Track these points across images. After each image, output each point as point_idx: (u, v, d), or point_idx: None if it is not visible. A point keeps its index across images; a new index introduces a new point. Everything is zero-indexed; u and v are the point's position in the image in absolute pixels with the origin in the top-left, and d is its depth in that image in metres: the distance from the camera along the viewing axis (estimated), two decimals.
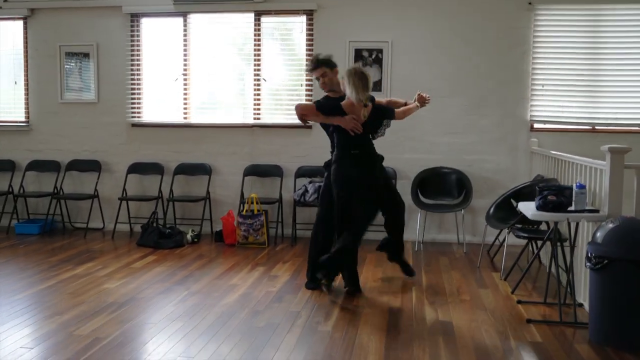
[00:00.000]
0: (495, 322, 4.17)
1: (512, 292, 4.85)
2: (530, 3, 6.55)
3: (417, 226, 6.62)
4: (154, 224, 6.67)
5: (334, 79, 4.98)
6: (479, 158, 6.81)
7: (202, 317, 4.20)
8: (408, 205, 6.65)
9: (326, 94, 5.04)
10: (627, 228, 3.65)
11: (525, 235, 5.07)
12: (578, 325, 4.06)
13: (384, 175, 5.12)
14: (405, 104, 5.25)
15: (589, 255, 3.77)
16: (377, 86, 6.84)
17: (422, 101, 5.20)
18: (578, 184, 4.08)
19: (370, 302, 4.62)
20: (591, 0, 6.47)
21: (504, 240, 5.68)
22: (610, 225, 3.71)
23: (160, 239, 6.50)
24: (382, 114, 4.92)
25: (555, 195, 4.12)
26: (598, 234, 3.75)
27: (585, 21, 6.53)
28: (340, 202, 4.73)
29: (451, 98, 6.83)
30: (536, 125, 6.73)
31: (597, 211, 4.09)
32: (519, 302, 4.60)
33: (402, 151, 6.91)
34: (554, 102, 6.64)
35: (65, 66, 7.40)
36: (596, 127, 6.61)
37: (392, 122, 5.07)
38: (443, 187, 6.75)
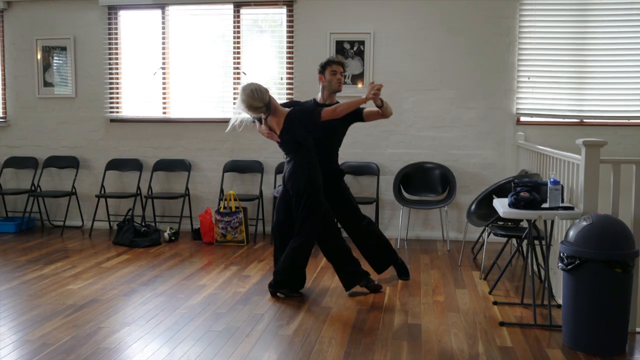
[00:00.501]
0: (467, 325, 3.98)
1: (490, 293, 4.66)
2: None
3: (399, 223, 6.43)
4: (130, 222, 6.50)
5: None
6: (465, 153, 6.61)
7: (159, 321, 4.03)
8: (390, 201, 6.52)
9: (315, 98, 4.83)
10: (600, 226, 3.45)
11: (503, 233, 4.87)
12: (553, 328, 3.87)
13: (336, 185, 4.82)
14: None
15: (561, 255, 3.57)
16: (360, 79, 6.65)
17: (372, 89, 4.42)
18: (552, 180, 3.87)
19: (340, 303, 4.44)
20: None
21: (486, 237, 5.47)
22: (583, 224, 3.51)
23: (135, 237, 6.33)
24: (296, 118, 4.40)
25: (528, 191, 3.91)
26: (570, 233, 3.56)
27: (573, 10, 6.30)
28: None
29: (436, 91, 6.62)
30: (523, 119, 6.52)
31: (572, 208, 3.88)
32: (495, 303, 4.41)
33: (386, 146, 6.72)
34: (541, 95, 6.42)
35: (55, 61, 7.20)
36: (584, 120, 6.39)
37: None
38: (427, 182, 6.56)
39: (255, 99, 4.29)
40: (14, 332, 3.84)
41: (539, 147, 5.38)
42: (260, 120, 4.49)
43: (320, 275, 5.18)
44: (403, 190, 6.55)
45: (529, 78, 6.42)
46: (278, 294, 4.57)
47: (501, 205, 4.06)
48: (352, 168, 6.67)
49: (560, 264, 3.57)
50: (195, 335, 3.79)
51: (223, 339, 3.71)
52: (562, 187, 4.11)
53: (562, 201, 4.07)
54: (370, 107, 4.67)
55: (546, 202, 3.92)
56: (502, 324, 3.97)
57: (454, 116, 6.60)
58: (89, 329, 3.87)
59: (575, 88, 6.35)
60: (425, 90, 6.61)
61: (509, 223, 5.04)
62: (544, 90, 6.40)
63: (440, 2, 6.53)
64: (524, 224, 5.02)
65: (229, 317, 4.11)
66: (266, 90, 4.36)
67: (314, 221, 4.43)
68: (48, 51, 7.25)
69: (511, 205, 3.94)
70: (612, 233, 3.43)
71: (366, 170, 6.70)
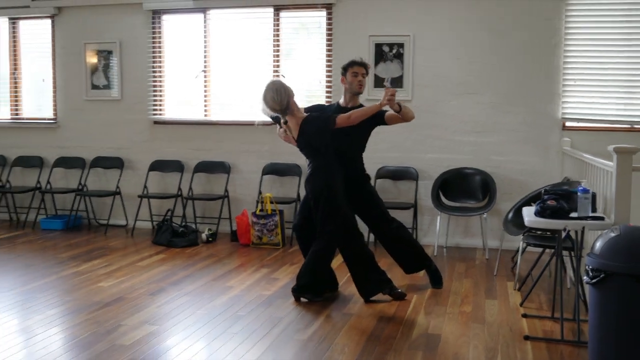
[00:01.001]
0: (489, 337, 3.83)
1: (521, 305, 4.48)
2: None
3: (436, 230, 6.28)
4: (168, 222, 6.59)
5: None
6: (507, 159, 6.40)
7: (179, 321, 4.06)
8: (429, 207, 6.38)
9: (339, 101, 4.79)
10: (627, 238, 3.25)
11: (536, 243, 4.68)
12: (581, 345, 3.68)
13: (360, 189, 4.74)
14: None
15: (587, 267, 3.39)
16: (399, 82, 6.55)
17: (386, 95, 4.30)
18: (581, 188, 3.69)
19: (362, 310, 4.36)
20: None
21: (521, 247, 5.27)
22: (611, 235, 3.32)
23: (173, 237, 6.42)
24: (311, 125, 4.41)
25: (556, 200, 3.74)
26: (597, 244, 3.37)
27: (621, 10, 6.00)
28: None
29: (478, 95, 6.45)
30: (568, 124, 6.26)
31: (602, 218, 3.69)
32: (524, 315, 4.23)
33: (426, 150, 6.59)
34: (588, 99, 6.15)
35: (102, 64, 7.41)
36: (635, 126, 6.08)
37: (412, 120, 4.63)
38: (466, 188, 6.38)
39: (275, 100, 4.28)
40: (38, 326, 3.95)
41: (580, 153, 5.16)
42: (278, 121, 4.47)
43: (350, 281, 5.12)
44: (442, 196, 6.40)
45: (575, 81, 6.17)
46: (301, 298, 4.53)
47: (528, 213, 3.90)
48: (390, 172, 6.58)
49: (585, 277, 3.39)
50: (210, 335, 3.79)
51: (237, 341, 3.70)
52: (595, 195, 3.92)
53: (595, 211, 3.88)
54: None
55: (576, 211, 3.75)
56: (526, 337, 3.80)
57: (496, 121, 6.41)
58: (109, 326, 3.94)
59: (624, 92, 6.06)
60: (466, 94, 6.45)
61: (548, 233, 4.84)
62: (591, 94, 6.14)
63: (481, 3, 6.36)
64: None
65: (248, 319, 4.10)
66: (287, 93, 4.33)
67: (333, 225, 4.37)
68: (95, 55, 7.45)
69: (537, 213, 3.78)
70: None
71: (405, 174, 6.58)
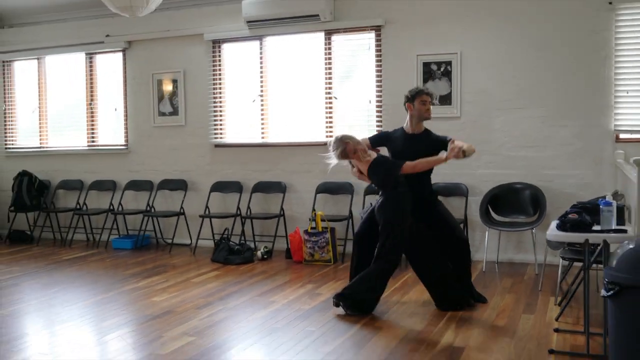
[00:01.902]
0: (513, 351, 3.83)
1: (557, 319, 4.43)
2: (610, 3, 5.99)
3: (485, 246, 6.26)
4: (225, 241, 6.91)
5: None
6: (560, 173, 6.31)
7: (214, 332, 4.30)
8: (479, 223, 6.37)
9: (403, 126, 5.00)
10: None
11: (569, 257, 4.62)
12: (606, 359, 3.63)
13: (430, 211, 4.91)
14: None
15: (605, 280, 3.36)
16: (447, 100, 6.62)
17: (451, 153, 4.49)
18: (603, 201, 3.66)
19: (395, 321, 4.46)
20: None
21: (560, 262, 5.18)
22: (627, 248, 3.29)
23: (229, 255, 6.72)
24: (380, 169, 4.76)
25: (578, 212, 3.72)
26: (614, 257, 3.34)
27: None
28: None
29: (527, 109, 6.41)
30: (622, 136, 6.11)
31: (624, 231, 3.64)
32: (556, 330, 4.19)
33: (476, 166, 6.59)
34: None
35: (167, 92, 7.91)
36: None
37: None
38: (516, 203, 6.34)
39: (331, 150, 4.75)
40: (90, 335, 4.29)
41: (624, 165, 5.05)
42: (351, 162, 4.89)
43: (396, 291, 5.23)
44: (492, 212, 6.38)
45: (627, 92, 6.02)
46: (341, 305, 4.68)
47: (551, 227, 3.89)
48: (441, 188, 6.59)
49: (603, 291, 3.36)
50: (240, 347, 4.00)
51: (265, 352, 3.89)
52: (624, 208, 3.87)
53: (623, 223, 3.83)
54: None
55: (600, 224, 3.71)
56: (551, 351, 3.78)
57: (547, 135, 6.34)
58: (152, 337, 4.23)
59: None
60: (515, 109, 6.42)
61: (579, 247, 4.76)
62: None
63: (528, 18, 6.34)
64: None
65: (281, 333, 4.28)
66: (343, 142, 4.70)
67: (394, 252, 4.63)
68: (162, 84, 7.94)
69: (558, 227, 3.77)
70: None
71: (455, 191, 6.61)
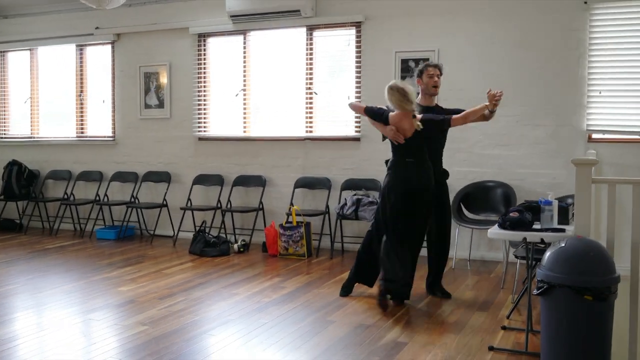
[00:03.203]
0: (455, 347, 3.88)
1: (508, 317, 4.47)
2: (585, 2, 5.97)
3: (456, 243, 6.28)
4: (202, 233, 6.99)
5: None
6: (532, 172, 6.32)
7: (169, 322, 4.37)
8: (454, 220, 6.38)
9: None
10: (570, 250, 3.24)
11: (521, 255, 4.63)
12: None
13: (440, 191, 5.01)
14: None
15: (537, 279, 3.40)
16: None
17: (492, 99, 4.61)
18: (543, 200, 3.69)
19: (346, 318, 4.50)
20: None
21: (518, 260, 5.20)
22: (557, 247, 3.32)
23: (205, 247, 6.81)
24: (433, 125, 4.77)
25: (519, 211, 3.75)
26: (546, 256, 3.37)
27: None
28: (389, 210, 4.78)
29: (502, 108, 6.25)
30: (595, 136, 6.10)
31: (562, 230, 3.66)
32: (503, 327, 4.23)
33: (451, 164, 6.54)
34: (614, 110, 5.98)
35: (153, 85, 8.00)
36: None
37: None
38: (488, 202, 6.35)
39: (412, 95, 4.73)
40: (45, 323, 4.40)
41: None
42: (386, 118, 4.77)
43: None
44: (464, 209, 6.40)
45: (600, 93, 6.01)
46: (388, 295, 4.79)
47: (494, 226, 3.92)
48: None
49: (535, 289, 3.40)
50: (188, 337, 4.08)
51: (206, 344, 3.97)
52: (569, 208, 3.89)
53: (568, 223, 3.86)
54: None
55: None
56: (490, 348, 3.82)
57: (521, 134, 6.36)
58: (104, 325, 4.32)
59: None
60: None
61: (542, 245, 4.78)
62: (617, 106, 5.96)
63: (505, 16, 6.35)
64: None
65: (233, 324, 4.35)
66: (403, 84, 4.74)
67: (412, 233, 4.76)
68: (148, 76, 8.04)
69: (499, 225, 3.80)
70: (583, 257, 3.21)
71: None
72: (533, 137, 6.31)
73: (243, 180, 7.54)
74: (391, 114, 4.80)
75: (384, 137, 4.89)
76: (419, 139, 4.74)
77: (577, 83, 6.10)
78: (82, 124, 8.60)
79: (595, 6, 5.95)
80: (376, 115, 4.89)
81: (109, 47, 8.32)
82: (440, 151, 5.11)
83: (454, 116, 4.71)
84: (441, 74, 5.03)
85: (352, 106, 5.31)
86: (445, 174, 5.14)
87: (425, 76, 4.96)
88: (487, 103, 4.61)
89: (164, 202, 7.81)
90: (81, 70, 8.58)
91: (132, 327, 4.28)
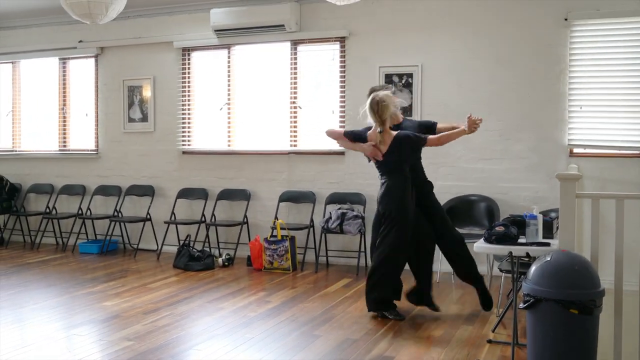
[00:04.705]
0: None
1: (493, 330, 4.50)
2: (566, 19, 6.08)
3: (440, 257, 6.31)
4: (186, 247, 6.96)
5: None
6: (515, 186, 6.39)
7: (154, 337, 4.34)
8: None
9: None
10: (555, 264, 3.28)
11: (505, 269, 4.68)
12: None
13: (426, 203, 5.02)
14: (452, 129, 4.95)
15: (523, 293, 3.43)
16: (408, 111, 6.69)
17: (472, 125, 4.74)
18: (528, 214, 3.74)
19: (334, 331, 4.51)
20: (631, 13, 5.87)
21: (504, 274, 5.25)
22: (543, 261, 3.36)
23: (190, 261, 6.78)
24: (406, 143, 4.75)
25: (505, 225, 3.80)
26: (531, 270, 3.42)
27: (626, 36, 5.93)
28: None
29: (485, 122, 6.38)
30: (576, 150, 6.19)
31: (547, 244, 3.71)
32: (489, 341, 4.26)
33: (435, 178, 6.59)
34: (595, 125, 6.07)
35: (137, 99, 7.97)
36: None
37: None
38: (472, 215, 6.41)
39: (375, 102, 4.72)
40: (29, 338, 4.34)
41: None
42: (362, 138, 4.82)
43: (346, 299, 5.30)
44: None
45: (581, 107, 6.11)
46: (385, 314, 4.80)
47: (480, 240, 3.96)
48: None
49: (521, 302, 3.44)
50: (174, 352, 4.05)
51: (193, 359, 3.95)
52: (553, 222, 3.94)
53: (552, 237, 3.91)
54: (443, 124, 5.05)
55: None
56: None
57: (503, 148, 6.43)
58: (89, 341, 4.28)
59: (632, 117, 5.94)
60: None
61: (527, 259, 4.83)
62: (598, 120, 6.06)
63: (487, 32, 6.44)
64: None
65: (218, 339, 4.34)
66: (385, 97, 4.71)
67: (397, 238, 4.69)
68: (132, 90, 8.02)
69: (485, 239, 3.84)
70: (569, 271, 3.25)
71: None
72: (515, 151, 6.39)
73: (227, 194, 7.53)
74: (369, 132, 4.85)
75: (369, 158, 4.92)
76: (394, 155, 4.74)
77: (558, 98, 6.20)
78: (64, 138, 8.55)
79: (575, 22, 6.06)
80: (356, 136, 4.92)
81: (92, 60, 8.30)
82: (419, 164, 5.10)
83: (430, 137, 4.76)
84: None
85: (330, 132, 5.18)
86: (429, 184, 5.14)
87: None
88: (466, 128, 4.70)
89: (148, 216, 7.77)
90: (64, 84, 8.55)
91: (117, 342, 4.25)
